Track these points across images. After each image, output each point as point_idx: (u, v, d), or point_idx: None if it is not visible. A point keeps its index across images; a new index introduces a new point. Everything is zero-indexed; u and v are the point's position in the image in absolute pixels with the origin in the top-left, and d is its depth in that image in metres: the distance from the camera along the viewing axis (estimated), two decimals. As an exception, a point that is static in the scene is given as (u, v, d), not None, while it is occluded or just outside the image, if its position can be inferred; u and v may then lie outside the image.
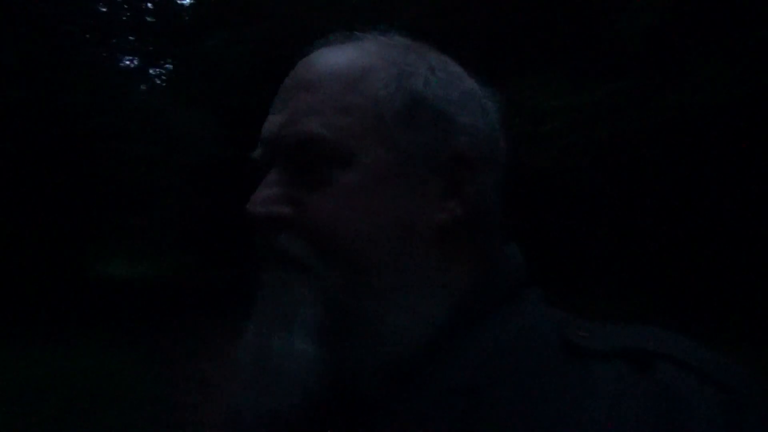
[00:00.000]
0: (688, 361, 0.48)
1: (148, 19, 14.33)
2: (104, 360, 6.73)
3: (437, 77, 0.57)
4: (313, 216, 0.53)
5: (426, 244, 0.54)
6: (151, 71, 16.72)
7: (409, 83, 0.56)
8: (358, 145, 0.53)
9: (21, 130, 9.34)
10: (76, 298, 10.81)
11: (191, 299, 12.04)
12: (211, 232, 17.89)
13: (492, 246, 0.59)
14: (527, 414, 0.48)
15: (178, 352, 7.43)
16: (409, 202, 0.54)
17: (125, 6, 13.86)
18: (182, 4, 15.61)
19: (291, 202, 0.54)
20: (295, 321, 0.52)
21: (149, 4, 14.30)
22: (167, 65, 17.09)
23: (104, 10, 13.56)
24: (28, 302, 9.41)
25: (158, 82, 17.72)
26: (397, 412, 0.52)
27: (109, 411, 5.05)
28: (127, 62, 15.15)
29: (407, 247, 0.53)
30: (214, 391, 5.47)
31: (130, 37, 14.31)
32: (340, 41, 0.60)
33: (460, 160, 0.56)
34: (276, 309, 0.53)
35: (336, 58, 0.57)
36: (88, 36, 12.75)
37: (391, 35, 0.61)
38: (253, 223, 0.54)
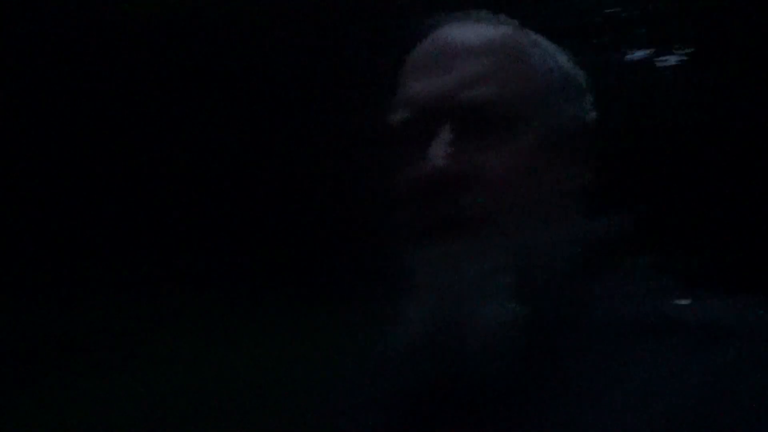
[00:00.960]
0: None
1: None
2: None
3: (573, 61, 0.64)
4: (491, 175, 0.56)
5: (572, 205, 0.60)
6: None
7: (557, 59, 0.62)
8: (527, 111, 0.58)
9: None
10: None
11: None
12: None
13: (596, 210, 0.63)
14: (614, 378, 0.51)
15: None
16: (562, 165, 0.60)
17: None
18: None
19: (466, 161, 0.56)
20: (489, 283, 0.54)
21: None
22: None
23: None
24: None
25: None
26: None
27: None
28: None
29: (564, 206, 0.59)
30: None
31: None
32: (459, 20, 0.63)
33: (590, 131, 0.63)
34: (464, 274, 0.54)
35: (493, 30, 0.62)
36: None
37: (499, 17, 0.65)
38: (433, 181, 0.55)
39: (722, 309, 0.54)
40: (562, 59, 0.63)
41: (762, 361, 0.50)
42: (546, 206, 0.57)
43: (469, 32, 0.60)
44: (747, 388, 0.48)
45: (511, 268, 0.54)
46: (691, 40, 9.67)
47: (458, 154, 0.56)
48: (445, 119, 0.57)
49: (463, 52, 0.58)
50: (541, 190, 0.57)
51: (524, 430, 0.53)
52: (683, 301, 0.56)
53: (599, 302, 0.57)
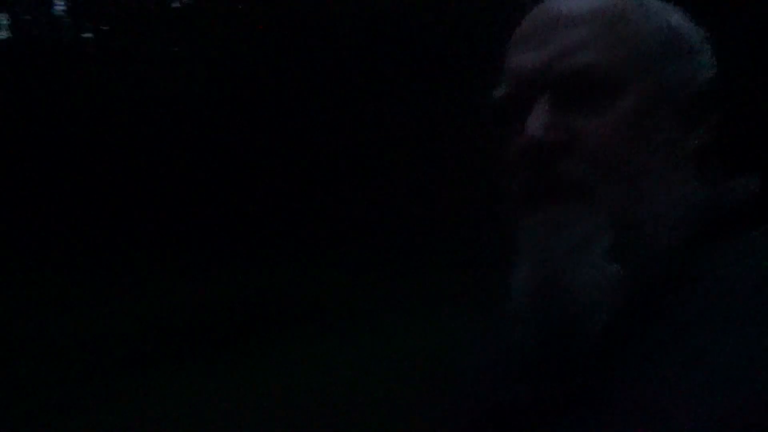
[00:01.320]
0: None
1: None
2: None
3: (684, 19, 0.62)
4: (594, 140, 0.56)
5: (685, 167, 0.58)
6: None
7: (666, 18, 0.61)
8: (630, 74, 0.57)
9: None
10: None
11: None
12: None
13: (719, 176, 0.61)
14: (718, 337, 0.50)
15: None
16: (672, 127, 0.58)
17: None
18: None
19: (567, 129, 0.57)
20: (593, 245, 0.55)
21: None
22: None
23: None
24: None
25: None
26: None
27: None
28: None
29: (673, 168, 0.58)
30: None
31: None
32: None
33: (707, 92, 0.61)
34: (566, 237, 0.55)
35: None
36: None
37: None
38: (533, 149, 0.56)
39: None
40: (673, 17, 0.61)
41: None
42: (655, 170, 0.57)
43: (570, 1, 0.60)
44: None
45: (614, 232, 0.54)
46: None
47: (558, 123, 0.56)
48: (545, 89, 0.57)
49: (562, 22, 0.59)
50: (650, 154, 0.57)
51: (622, 391, 0.52)
52: None
53: (711, 270, 0.55)
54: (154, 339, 5.96)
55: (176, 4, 12.30)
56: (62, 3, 11.74)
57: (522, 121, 0.57)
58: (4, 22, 11.28)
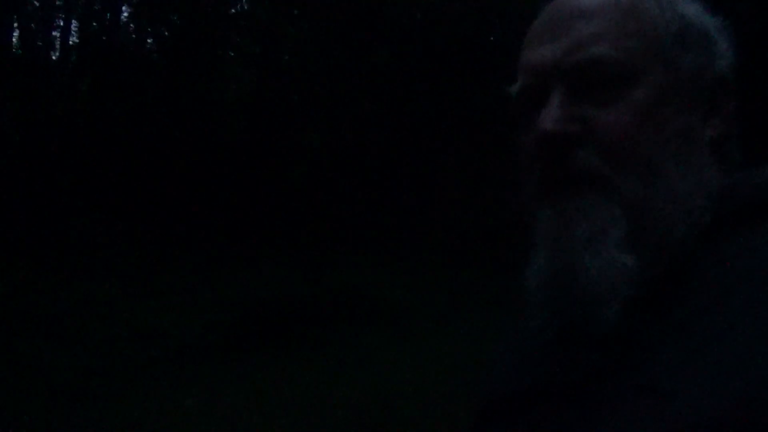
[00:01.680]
0: None
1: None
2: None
3: (697, 7, 0.62)
4: (607, 130, 0.56)
5: (701, 156, 0.59)
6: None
7: (679, 8, 0.61)
8: (643, 64, 0.58)
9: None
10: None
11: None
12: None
13: (736, 163, 0.62)
14: (732, 322, 0.50)
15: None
16: (686, 116, 0.58)
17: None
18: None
19: (580, 120, 0.57)
20: (607, 235, 0.55)
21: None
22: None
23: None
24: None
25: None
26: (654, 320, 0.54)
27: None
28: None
29: (688, 157, 0.58)
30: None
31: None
32: None
33: (722, 81, 0.61)
34: (583, 226, 0.56)
35: None
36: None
37: None
38: (546, 142, 0.57)
39: None
40: (687, 8, 0.61)
41: None
42: (669, 159, 0.57)
43: None
44: None
45: (627, 222, 0.55)
46: None
47: (572, 115, 0.57)
48: (560, 82, 0.58)
49: (574, 16, 0.60)
50: (665, 144, 0.57)
51: (634, 377, 0.52)
52: None
53: (726, 258, 0.55)
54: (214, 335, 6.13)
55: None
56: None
57: (537, 114, 0.58)
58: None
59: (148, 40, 12.78)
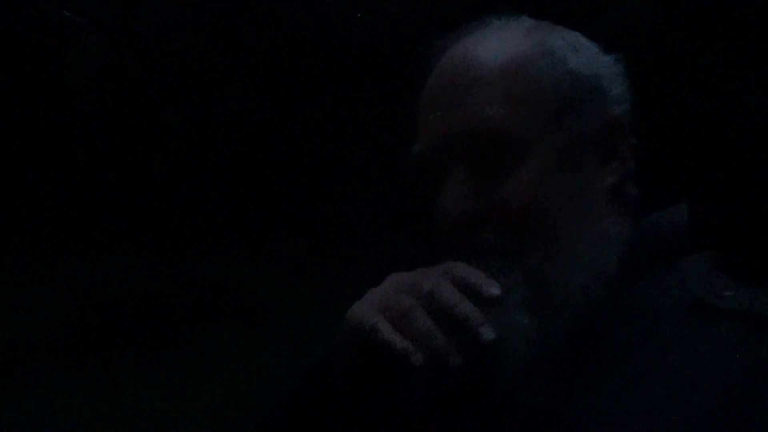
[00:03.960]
0: None
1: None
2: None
3: (583, 54, 0.62)
4: (505, 206, 0.58)
5: (601, 207, 0.60)
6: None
7: (565, 65, 0.61)
8: (533, 133, 0.58)
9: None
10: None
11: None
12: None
13: (635, 206, 0.63)
14: (635, 362, 0.53)
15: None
16: (583, 173, 0.60)
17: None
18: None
19: (481, 196, 0.58)
20: (509, 301, 0.57)
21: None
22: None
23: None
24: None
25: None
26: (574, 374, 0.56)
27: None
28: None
29: (589, 213, 0.59)
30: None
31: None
32: (476, 30, 0.63)
33: (615, 126, 0.62)
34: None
35: (494, 50, 0.60)
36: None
37: (518, 18, 0.64)
38: (448, 224, 0.58)
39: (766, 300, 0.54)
40: (578, 61, 0.60)
41: None
42: (567, 221, 0.57)
43: (478, 54, 0.60)
44: None
45: (528, 286, 0.57)
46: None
47: (471, 192, 0.57)
48: (457, 155, 0.58)
49: (466, 83, 0.59)
50: (562, 207, 0.57)
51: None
52: (728, 293, 0.56)
53: (639, 304, 0.57)
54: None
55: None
56: None
57: (438, 184, 0.59)
58: None
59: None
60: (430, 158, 0.60)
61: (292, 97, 10.22)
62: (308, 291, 7.25)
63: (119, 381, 4.84)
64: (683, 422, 0.48)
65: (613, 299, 0.57)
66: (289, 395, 0.64)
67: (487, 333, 0.52)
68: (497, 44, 0.61)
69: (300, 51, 10.13)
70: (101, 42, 11.25)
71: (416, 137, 0.62)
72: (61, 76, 10.14)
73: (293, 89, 10.18)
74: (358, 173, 9.49)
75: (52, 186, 9.22)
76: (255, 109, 10.02)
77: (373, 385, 0.58)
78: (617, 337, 0.56)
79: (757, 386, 0.48)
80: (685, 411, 0.49)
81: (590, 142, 0.61)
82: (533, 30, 0.62)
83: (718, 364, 0.51)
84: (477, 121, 0.58)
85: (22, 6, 9.95)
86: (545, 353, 0.57)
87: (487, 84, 0.58)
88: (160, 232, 8.28)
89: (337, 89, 10.18)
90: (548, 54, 0.60)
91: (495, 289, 0.54)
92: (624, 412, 0.51)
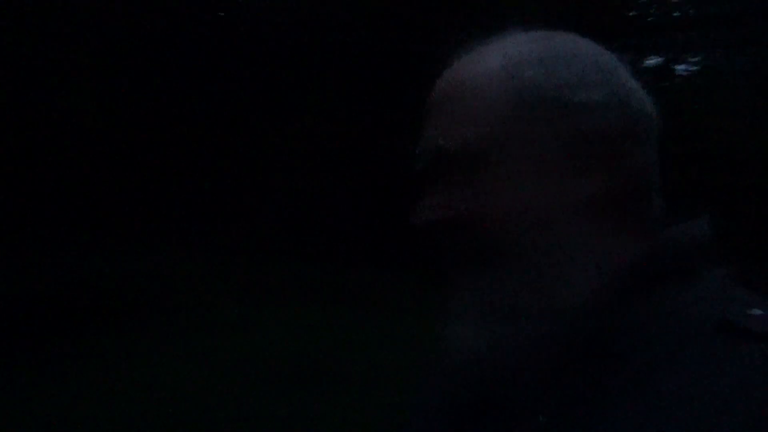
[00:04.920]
0: None
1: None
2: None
3: (549, 64, 0.60)
4: (466, 218, 0.59)
5: (570, 223, 0.58)
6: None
7: (521, 79, 0.60)
8: (488, 147, 0.59)
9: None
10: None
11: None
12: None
13: (645, 218, 0.60)
14: (658, 385, 0.50)
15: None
16: (544, 186, 0.58)
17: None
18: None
19: (450, 208, 0.61)
20: (464, 313, 0.60)
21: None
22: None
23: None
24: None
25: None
26: (546, 381, 0.56)
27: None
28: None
29: (549, 230, 0.58)
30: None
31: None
32: (478, 46, 0.64)
33: (584, 138, 0.58)
34: (451, 303, 0.61)
35: (466, 69, 0.63)
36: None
37: (524, 30, 0.64)
38: (418, 231, 0.62)
39: None
40: (534, 73, 0.60)
41: None
42: (546, 226, 0.57)
43: (454, 73, 0.63)
44: None
45: (496, 296, 0.58)
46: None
47: (446, 203, 0.61)
48: (438, 166, 0.61)
49: (443, 101, 0.62)
50: (523, 220, 0.58)
51: None
52: (756, 311, 0.53)
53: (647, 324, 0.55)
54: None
55: None
56: None
57: (431, 197, 0.62)
58: None
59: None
60: (420, 171, 0.64)
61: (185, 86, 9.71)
62: (211, 291, 7.08)
63: (18, 382, 4.57)
64: None
65: (626, 314, 0.55)
66: None
67: None
68: (470, 64, 0.63)
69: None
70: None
71: (417, 149, 0.66)
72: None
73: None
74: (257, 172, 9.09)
75: None
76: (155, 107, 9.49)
77: None
78: (639, 355, 0.53)
79: None
80: None
81: (555, 155, 0.59)
82: (512, 44, 0.63)
83: (750, 388, 0.48)
84: (441, 137, 0.61)
85: None
86: (525, 365, 0.57)
87: (450, 102, 0.62)
88: (59, 230, 7.81)
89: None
90: (506, 69, 0.61)
91: None
92: None
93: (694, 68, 12.15)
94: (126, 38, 9.24)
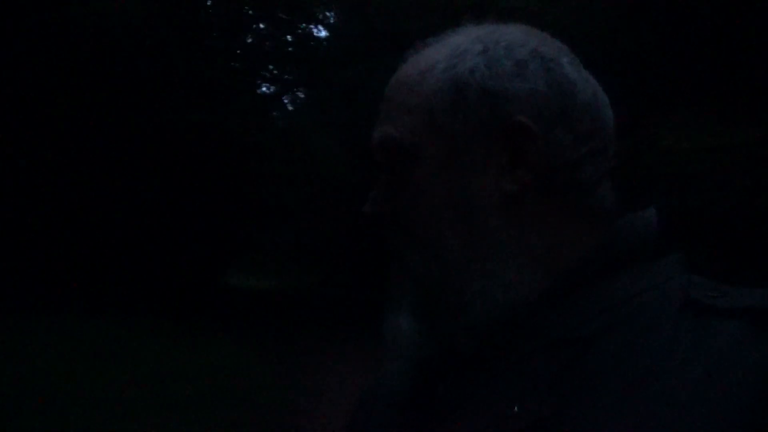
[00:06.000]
0: None
1: (288, 49, 16.91)
2: (228, 360, 8.08)
3: (487, 56, 0.59)
4: (399, 210, 0.61)
5: (497, 215, 0.58)
6: (285, 98, 19.81)
7: (454, 72, 0.60)
8: (419, 141, 0.60)
9: (179, 147, 11.23)
10: (207, 304, 13.17)
11: (311, 313, 14.50)
12: (335, 251, 19.60)
13: (594, 209, 0.59)
14: (633, 364, 0.50)
15: (295, 361, 8.65)
16: (473, 180, 0.58)
17: (267, 38, 16.82)
18: (319, 38, 18.15)
19: (389, 200, 0.62)
20: (400, 303, 0.62)
21: (288, 37, 17.06)
22: (301, 93, 20.69)
23: (249, 41, 16.83)
24: (170, 305, 11.69)
25: (292, 108, 21.36)
26: (498, 365, 0.56)
27: (224, 405, 5.91)
28: (265, 89, 18.12)
29: (477, 222, 0.58)
30: (322, 401, 6.34)
31: (270, 67, 16.99)
32: (427, 44, 0.65)
33: (519, 128, 0.57)
34: (391, 294, 0.64)
35: (413, 63, 0.63)
36: (236, 65, 15.63)
37: (477, 25, 0.64)
38: (365, 222, 0.63)
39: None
40: (472, 66, 0.59)
41: None
42: (451, 230, 0.58)
43: (399, 70, 0.64)
44: None
45: (416, 292, 0.60)
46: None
47: (384, 197, 0.62)
48: (381, 161, 0.63)
49: (387, 93, 0.64)
50: (447, 216, 0.59)
51: None
52: (713, 292, 0.54)
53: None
54: None
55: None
56: None
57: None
58: None
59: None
60: (377, 166, 0.65)
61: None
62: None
63: None
64: (696, 427, 0.45)
65: (583, 302, 0.55)
66: None
67: None
68: (414, 60, 0.64)
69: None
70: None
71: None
72: None
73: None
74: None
75: None
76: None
77: None
78: (608, 338, 0.52)
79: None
80: (697, 415, 0.46)
81: (486, 148, 0.58)
82: (457, 37, 0.63)
83: (726, 364, 0.47)
84: (379, 131, 0.62)
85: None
86: (445, 355, 0.59)
87: (390, 96, 0.63)
88: None
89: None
90: (441, 64, 0.61)
91: None
92: (627, 419, 0.47)
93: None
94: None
